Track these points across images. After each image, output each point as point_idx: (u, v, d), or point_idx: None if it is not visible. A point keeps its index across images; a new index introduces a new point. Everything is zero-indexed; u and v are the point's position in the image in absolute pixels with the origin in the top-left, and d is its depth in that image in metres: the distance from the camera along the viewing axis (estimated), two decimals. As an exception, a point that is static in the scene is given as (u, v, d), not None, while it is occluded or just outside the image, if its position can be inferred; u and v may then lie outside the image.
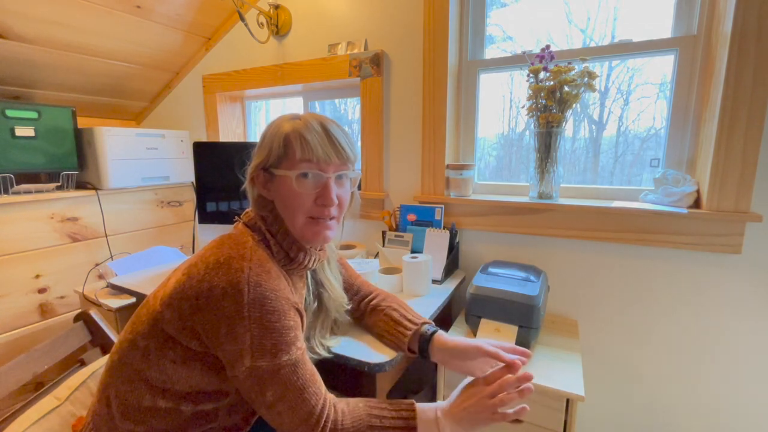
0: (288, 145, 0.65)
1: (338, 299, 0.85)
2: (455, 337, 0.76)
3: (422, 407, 0.63)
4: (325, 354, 0.83)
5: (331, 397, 0.62)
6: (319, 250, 0.75)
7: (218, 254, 0.60)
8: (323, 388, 0.62)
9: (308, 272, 0.82)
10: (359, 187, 1.53)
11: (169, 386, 0.61)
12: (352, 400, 0.64)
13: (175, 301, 0.59)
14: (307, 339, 0.83)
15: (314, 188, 0.67)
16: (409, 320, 0.82)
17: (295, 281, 0.73)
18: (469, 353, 0.70)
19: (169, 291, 0.61)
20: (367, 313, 0.90)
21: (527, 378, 0.62)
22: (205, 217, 1.51)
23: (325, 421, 0.58)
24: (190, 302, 0.58)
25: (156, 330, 0.61)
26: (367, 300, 0.91)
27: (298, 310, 0.63)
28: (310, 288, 0.83)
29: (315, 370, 0.63)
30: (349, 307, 0.88)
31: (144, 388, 0.61)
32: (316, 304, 0.84)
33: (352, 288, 0.93)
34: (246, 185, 0.71)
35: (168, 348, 0.60)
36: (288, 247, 0.69)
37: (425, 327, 0.80)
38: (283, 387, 0.58)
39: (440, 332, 0.78)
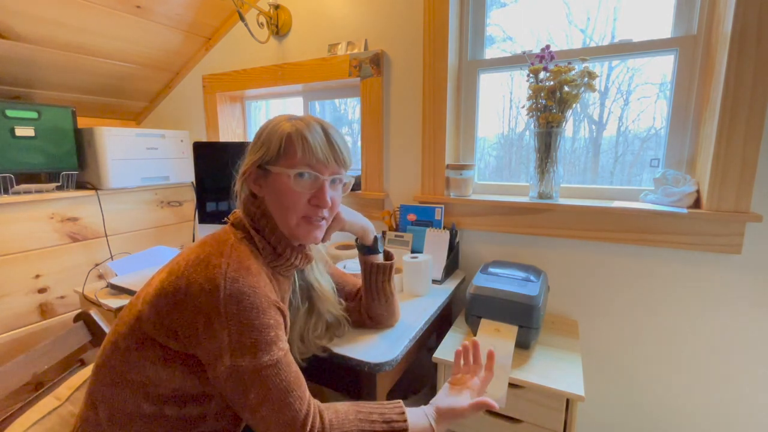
0: (289, 144, 0.66)
1: (329, 299, 0.86)
2: None
3: (412, 412, 0.64)
4: (320, 353, 0.83)
5: (316, 402, 0.61)
6: (306, 251, 0.75)
7: (199, 252, 0.61)
8: (308, 392, 0.61)
9: (296, 273, 0.82)
10: (359, 188, 1.54)
11: (150, 389, 0.61)
12: (342, 409, 0.62)
13: (154, 299, 0.59)
14: (302, 340, 0.83)
15: (310, 188, 0.68)
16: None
17: (281, 281, 0.73)
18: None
19: (152, 290, 0.61)
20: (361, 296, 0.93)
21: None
22: (205, 217, 1.51)
23: (311, 428, 0.57)
24: (167, 299, 0.58)
25: (135, 330, 0.61)
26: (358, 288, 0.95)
27: (279, 309, 0.63)
28: (297, 291, 0.83)
29: (300, 373, 0.62)
30: (342, 309, 0.89)
31: (127, 392, 0.61)
32: (307, 305, 0.84)
33: (346, 287, 0.94)
34: (237, 182, 0.72)
35: (147, 348, 0.60)
36: (275, 243, 0.69)
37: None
38: (265, 389, 0.56)
39: None
